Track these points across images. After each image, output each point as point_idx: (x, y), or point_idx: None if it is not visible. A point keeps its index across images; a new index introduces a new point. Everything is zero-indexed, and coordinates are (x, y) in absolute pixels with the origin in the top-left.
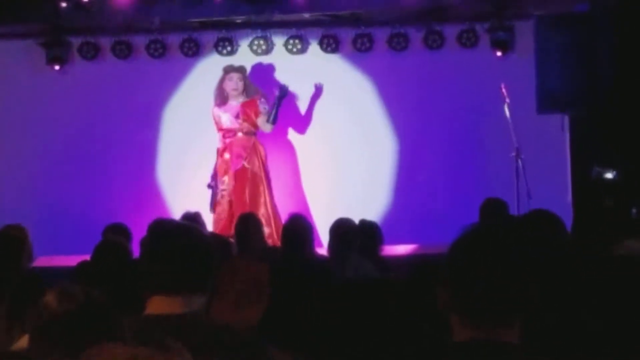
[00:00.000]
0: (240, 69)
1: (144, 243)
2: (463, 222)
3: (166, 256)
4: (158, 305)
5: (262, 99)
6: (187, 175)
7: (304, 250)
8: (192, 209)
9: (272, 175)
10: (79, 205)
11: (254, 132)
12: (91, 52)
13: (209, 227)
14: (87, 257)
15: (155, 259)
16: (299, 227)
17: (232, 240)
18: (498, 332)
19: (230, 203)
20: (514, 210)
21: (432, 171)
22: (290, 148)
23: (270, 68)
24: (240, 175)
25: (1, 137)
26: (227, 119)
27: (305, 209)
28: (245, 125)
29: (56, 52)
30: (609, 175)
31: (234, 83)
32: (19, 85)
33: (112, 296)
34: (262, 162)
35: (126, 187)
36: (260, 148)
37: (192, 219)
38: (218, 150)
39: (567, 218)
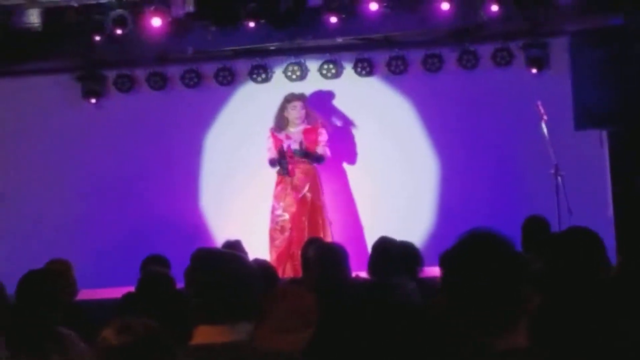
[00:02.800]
0: (302, 97)
1: (187, 274)
2: None
3: (210, 286)
4: (204, 335)
5: (322, 129)
6: (230, 203)
7: (341, 274)
8: (235, 236)
9: (328, 202)
10: (120, 237)
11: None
12: (126, 85)
13: (266, 249)
14: (132, 289)
15: (199, 290)
16: (334, 252)
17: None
18: (504, 336)
19: (291, 229)
20: (555, 227)
21: (472, 190)
22: (342, 175)
23: (329, 95)
24: (300, 203)
25: (42, 172)
26: (290, 146)
27: (360, 236)
28: (312, 151)
29: (92, 86)
30: None
31: (297, 111)
32: (56, 120)
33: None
34: (321, 191)
35: (169, 217)
36: (319, 178)
37: (233, 248)
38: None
39: (609, 233)
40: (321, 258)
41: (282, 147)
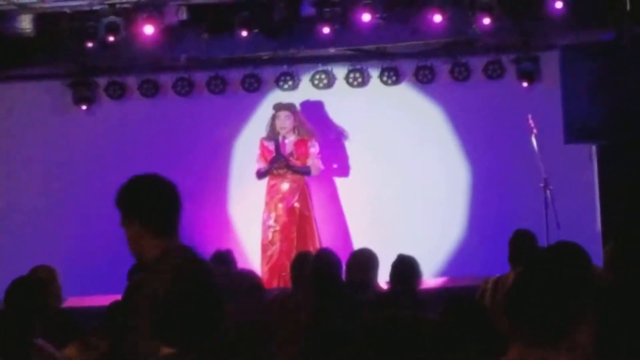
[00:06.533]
0: (289, 107)
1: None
2: (492, 253)
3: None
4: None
5: (314, 141)
6: (221, 213)
7: (337, 286)
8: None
9: (318, 215)
10: (110, 245)
11: None
12: (118, 92)
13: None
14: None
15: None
16: (331, 264)
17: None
18: (548, 352)
19: (280, 240)
20: (543, 241)
21: (460, 203)
22: (332, 186)
23: (320, 105)
24: (289, 214)
25: (30, 178)
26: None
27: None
28: (298, 164)
29: (83, 93)
30: None
31: (281, 121)
32: (46, 126)
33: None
34: (309, 202)
35: None
36: (307, 188)
37: (223, 258)
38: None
39: (597, 248)
40: (319, 271)
41: (278, 141)
